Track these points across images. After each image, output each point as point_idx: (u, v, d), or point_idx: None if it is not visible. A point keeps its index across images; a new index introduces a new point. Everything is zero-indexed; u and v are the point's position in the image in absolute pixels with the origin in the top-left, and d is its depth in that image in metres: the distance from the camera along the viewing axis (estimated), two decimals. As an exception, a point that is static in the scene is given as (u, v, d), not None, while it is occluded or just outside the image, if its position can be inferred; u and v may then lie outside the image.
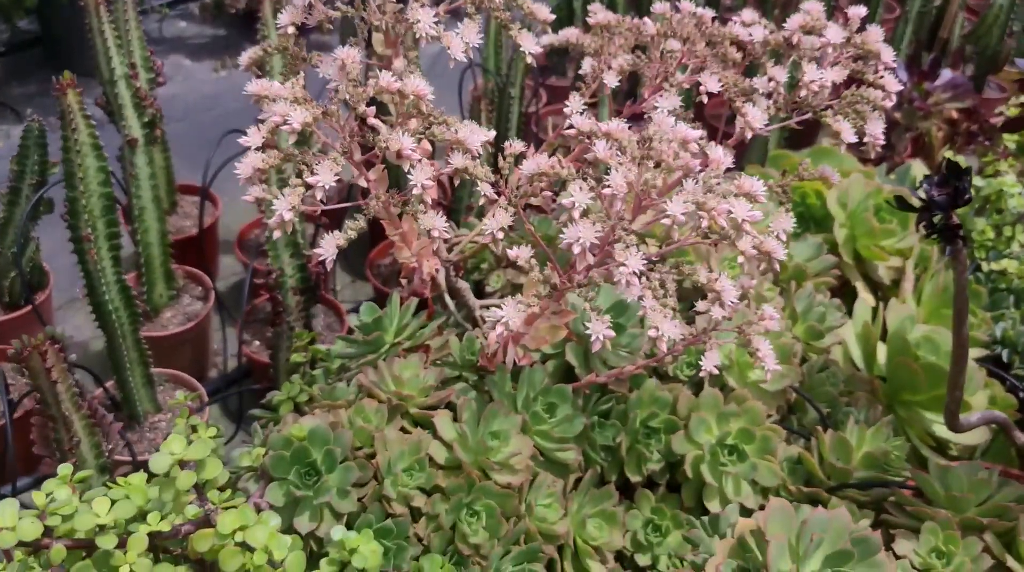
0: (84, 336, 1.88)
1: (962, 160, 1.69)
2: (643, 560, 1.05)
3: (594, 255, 0.64)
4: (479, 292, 1.39)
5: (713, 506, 1.06)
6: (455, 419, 1.00)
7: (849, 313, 1.41)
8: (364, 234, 0.75)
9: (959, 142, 2.10)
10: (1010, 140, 1.66)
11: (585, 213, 0.62)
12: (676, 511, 1.08)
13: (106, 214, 1.27)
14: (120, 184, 1.62)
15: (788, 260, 1.42)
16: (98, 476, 1.14)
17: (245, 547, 0.70)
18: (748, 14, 0.90)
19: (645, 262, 0.60)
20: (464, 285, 1.17)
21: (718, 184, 0.67)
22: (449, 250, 1.15)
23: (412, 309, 1.13)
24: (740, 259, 0.68)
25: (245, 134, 1.72)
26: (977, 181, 1.65)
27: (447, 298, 1.18)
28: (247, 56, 0.84)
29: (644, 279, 0.62)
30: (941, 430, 1.27)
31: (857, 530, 0.83)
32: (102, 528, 0.68)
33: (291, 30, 0.76)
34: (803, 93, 0.81)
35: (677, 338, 0.64)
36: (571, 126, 0.72)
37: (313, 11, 0.75)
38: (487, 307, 1.17)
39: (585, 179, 0.62)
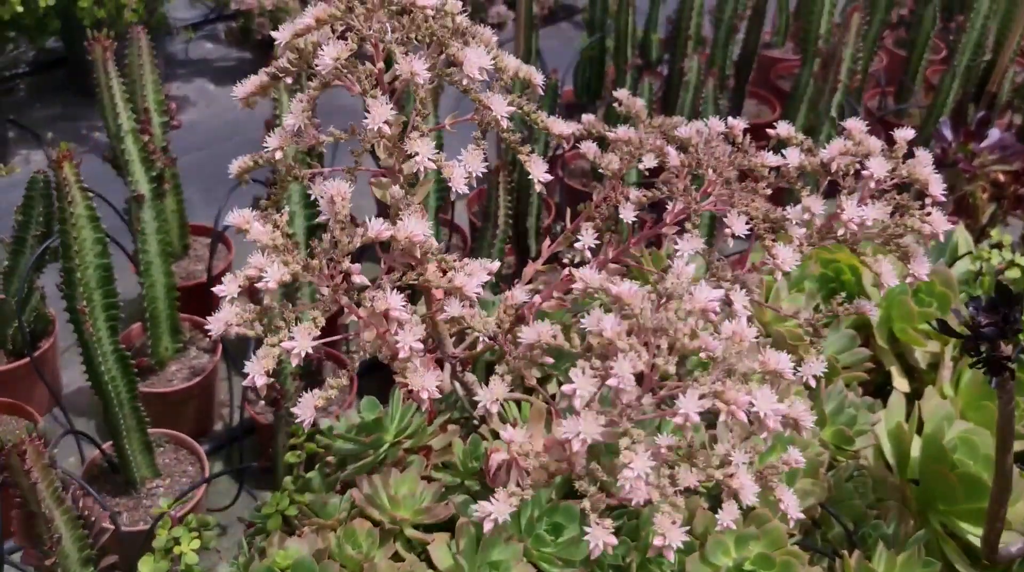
0: (87, 382, 1.83)
1: (1008, 239, 1.59)
2: None
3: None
4: (489, 372, 1.32)
5: (730, 636, 0.99)
6: (452, 536, 0.94)
7: (883, 401, 1.33)
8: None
9: (1005, 205, 2.00)
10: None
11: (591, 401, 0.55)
12: (688, 640, 1.00)
13: (103, 285, 1.22)
14: (129, 230, 1.58)
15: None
16: (81, 569, 1.09)
17: None
18: (784, 128, 0.83)
19: (652, 461, 0.54)
20: (472, 378, 1.10)
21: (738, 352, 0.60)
22: (461, 339, 1.09)
23: (414, 408, 1.06)
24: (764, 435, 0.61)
25: (263, 184, 1.66)
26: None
27: (456, 385, 1.11)
28: (237, 165, 0.78)
29: (652, 476, 0.55)
30: (978, 542, 1.18)
31: None
32: None
33: (278, 154, 0.69)
34: (841, 231, 0.73)
35: (679, 544, 0.57)
36: (570, 274, 0.66)
37: (304, 135, 0.69)
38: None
39: (589, 359, 0.56)
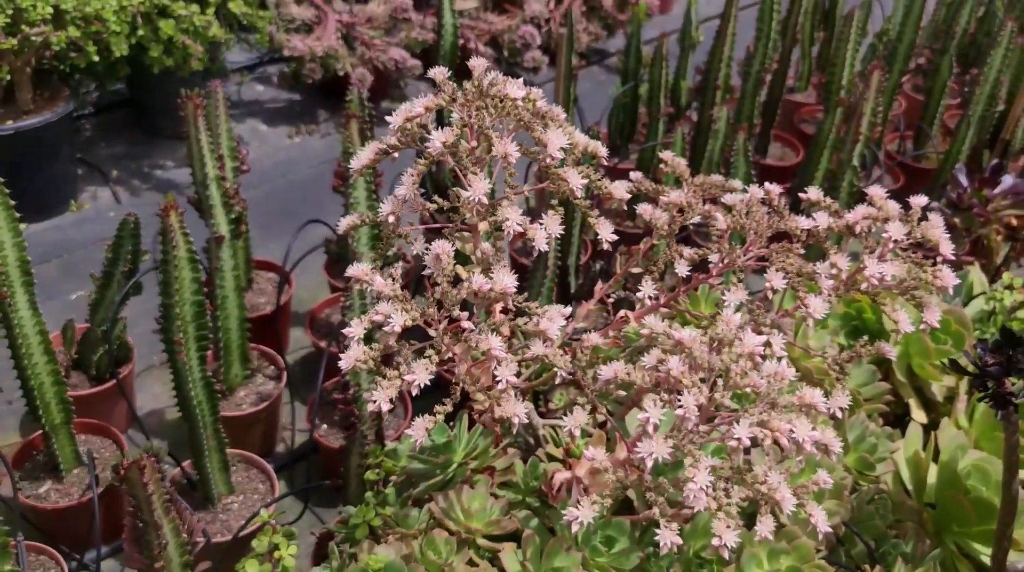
0: (160, 404, 1.98)
1: (1019, 282, 1.71)
2: None
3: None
4: (541, 402, 1.45)
5: (763, 643, 1.10)
6: (519, 546, 1.06)
7: (901, 431, 1.44)
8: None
9: (1018, 247, 2.11)
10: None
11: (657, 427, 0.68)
12: (726, 643, 1.12)
13: (196, 319, 1.36)
14: (204, 269, 1.73)
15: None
16: (181, 573, 1.22)
17: None
18: (814, 192, 0.96)
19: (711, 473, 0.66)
20: (529, 406, 1.23)
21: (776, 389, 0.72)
22: (517, 375, 1.21)
23: (480, 431, 1.19)
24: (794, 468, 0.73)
25: (326, 225, 1.79)
26: (1035, 302, 1.67)
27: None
28: (346, 223, 0.92)
29: (711, 489, 0.68)
30: (989, 561, 1.29)
31: None
32: None
33: (391, 218, 0.83)
34: (864, 286, 0.86)
35: (735, 544, 0.69)
36: (642, 323, 0.79)
37: (410, 203, 0.83)
38: (551, 426, 1.24)
39: (659, 393, 0.69)
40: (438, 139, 0.79)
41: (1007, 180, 2.08)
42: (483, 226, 0.92)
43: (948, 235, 0.96)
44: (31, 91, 2.35)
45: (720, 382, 0.68)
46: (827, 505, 1.22)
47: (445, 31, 2.08)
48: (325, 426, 1.78)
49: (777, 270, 0.83)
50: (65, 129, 2.45)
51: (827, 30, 2.88)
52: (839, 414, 0.89)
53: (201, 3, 2.46)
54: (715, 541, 0.69)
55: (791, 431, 0.68)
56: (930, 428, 1.42)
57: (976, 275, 1.85)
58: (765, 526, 0.91)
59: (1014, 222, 2.07)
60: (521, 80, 0.86)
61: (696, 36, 2.60)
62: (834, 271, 0.89)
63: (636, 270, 1.02)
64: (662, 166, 1.13)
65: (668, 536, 0.69)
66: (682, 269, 0.87)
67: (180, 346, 1.33)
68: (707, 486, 0.66)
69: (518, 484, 1.17)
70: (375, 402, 0.74)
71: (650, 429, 0.68)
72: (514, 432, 1.09)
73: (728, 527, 0.69)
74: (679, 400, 0.67)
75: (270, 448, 1.87)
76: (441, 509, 1.08)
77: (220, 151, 1.78)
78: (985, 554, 1.30)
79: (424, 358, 0.74)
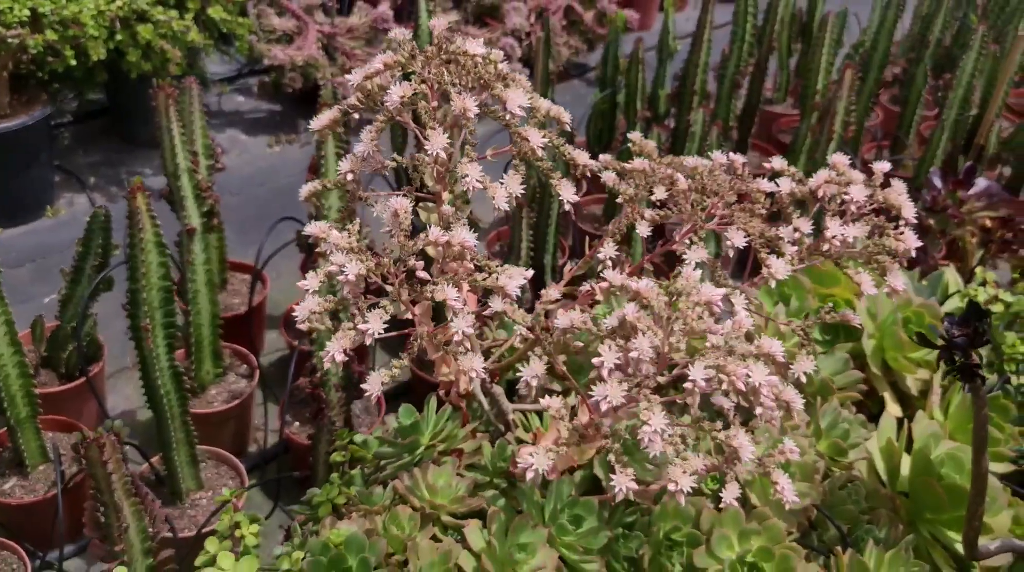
0: (132, 405, 1.95)
1: (991, 277, 1.72)
2: None
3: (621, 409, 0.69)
4: (511, 390, 1.44)
5: (733, 623, 1.08)
6: (484, 526, 1.05)
7: (875, 422, 1.43)
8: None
9: (992, 249, 2.12)
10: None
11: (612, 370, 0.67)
12: (695, 626, 1.10)
13: (164, 305, 1.34)
14: (176, 265, 1.71)
15: (815, 374, 1.46)
16: (142, 559, 1.19)
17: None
18: (778, 161, 0.96)
19: (666, 417, 0.65)
20: (498, 390, 1.22)
21: (736, 339, 0.72)
22: (486, 356, 1.20)
23: (448, 415, 1.18)
24: (758, 411, 0.73)
25: (297, 221, 1.79)
26: (1007, 297, 1.68)
27: (482, 399, 1.23)
28: (307, 189, 0.91)
29: (666, 435, 0.67)
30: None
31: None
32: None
33: (350, 177, 0.82)
34: (825, 247, 0.86)
35: (691, 489, 0.68)
36: (604, 279, 0.78)
37: (369, 161, 0.82)
38: (521, 411, 1.22)
39: (614, 339, 0.68)
40: (396, 93, 0.79)
41: (981, 182, 2.09)
42: (445, 196, 0.91)
43: (923, 238, 0.96)
44: (8, 95, 2.35)
45: (676, 328, 0.68)
46: (799, 487, 1.20)
47: (423, 43, 2.09)
48: (297, 424, 1.76)
49: (739, 230, 0.82)
50: (43, 133, 2.44)
51: (805, 43, 2.91)
52: (803, 378, 0.89)
53: (180, 8, 2.47)
54: (671, 486, 0.68)
55: (747, 375, 0.67)
56: (905, 422, 1.42)
57: (951, 275, 1.86)
58: (730, 492, 0.90)
59: (988, 223, 2.08)
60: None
61: (674, 46, 2.63)
62: (797, 235, 0.89)
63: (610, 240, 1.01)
64: (631, 146, 1.13)
65: (623, 481, 0.68)
66: (643, 229, 0.87)
67: (147, 333, 1.31)
68: (663, 429, 0.65)
69: (485, 466, 1.15)
70: (329, 354, 0.73)
71: (604, 373, 0.67)
72: (481, 415, 1.08)
73: (684, 472, 0.68)
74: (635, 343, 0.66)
75: (242, 448, 1.85)
76: (406, 487, 1.06)
77: (195, 148, 1.77)
78: (958, 541, 1.29)
79: (379, 309, 0.73)
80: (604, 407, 0.66)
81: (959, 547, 1.29)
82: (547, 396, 0.86)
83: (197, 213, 1.63)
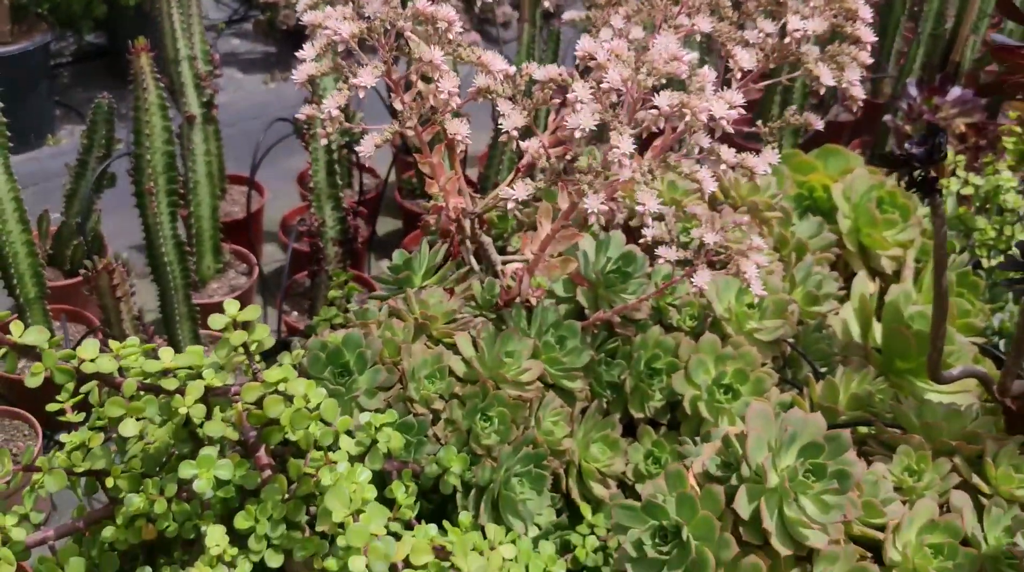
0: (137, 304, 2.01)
1: (961, 161, 1.78)
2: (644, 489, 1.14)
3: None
4: (500, 253, 1.50)
5: (709, 441, 1.14)
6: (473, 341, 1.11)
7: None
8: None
9: (968, 155, 2.19)
10: (1008, 142, 1.75)
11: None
12: (675, 445, 1.17)
13: (168, 171, 1.40)
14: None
15: (791, 236, 1.52)
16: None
17: (286, 397, 0.81)
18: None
19: (635, 144, 0.72)
20: (487, 239, 1.28)
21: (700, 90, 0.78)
22: (470, 198, 1.26)
23: (440, 253, 1.24)
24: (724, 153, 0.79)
25: (291, 122, 1.84)
26: (977, 180, 1.74)
27: (469, 255, 1.29)
28: (303, 70, 0.94)
29: (634, 165, 0.73)
30: (933, 396, 1.34)
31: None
32: (166, 372, 0.80)
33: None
34: (787, 40, 0.92)
35: (656, 210, 0.75)
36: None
37: None
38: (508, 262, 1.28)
39: (586, 79, 0.74)
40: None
41: (955, 90, 2.16)
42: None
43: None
44: (9, 23, 2.40)
45: (644, 69, 0.74)
46: (772, 322, 1.27)
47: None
48: (295, 313, 1.82)
49: (706, 17, 0.88)
50: (43, 60, 2.49)
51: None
52: (767, 169, 0.95)
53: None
54: (639, 208, 0.74)
55: (709, 110, 0.73)
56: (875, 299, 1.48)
57: (927, 175, 1.92)
58: (701, 278, 0.96)
59: (963, 129, 2.15)
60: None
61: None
62: (761, 36, 0.95)
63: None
64: None
65: (593, 203, 0.74)
66: (617, 22, 0.93)
67: (151, 196, 1.37)
68: (630, 153, 0.71)
69: (476, 299, 1.21)
70: (327, 110, 0.79)
71: (578, 106, 0.73)
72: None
73: (651, 195, 0.74)
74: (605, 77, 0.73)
75: (242, 343, 1.90)
76: (400, 303, 1.13)
77: (194, 52, 1.83)
78: (927, 389, 1.35)
79: (370, 66, 0.79)
80: (578, 135, 0.72)
81: (929, 394, 1.36)
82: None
83: (197, 101, 1.68)
